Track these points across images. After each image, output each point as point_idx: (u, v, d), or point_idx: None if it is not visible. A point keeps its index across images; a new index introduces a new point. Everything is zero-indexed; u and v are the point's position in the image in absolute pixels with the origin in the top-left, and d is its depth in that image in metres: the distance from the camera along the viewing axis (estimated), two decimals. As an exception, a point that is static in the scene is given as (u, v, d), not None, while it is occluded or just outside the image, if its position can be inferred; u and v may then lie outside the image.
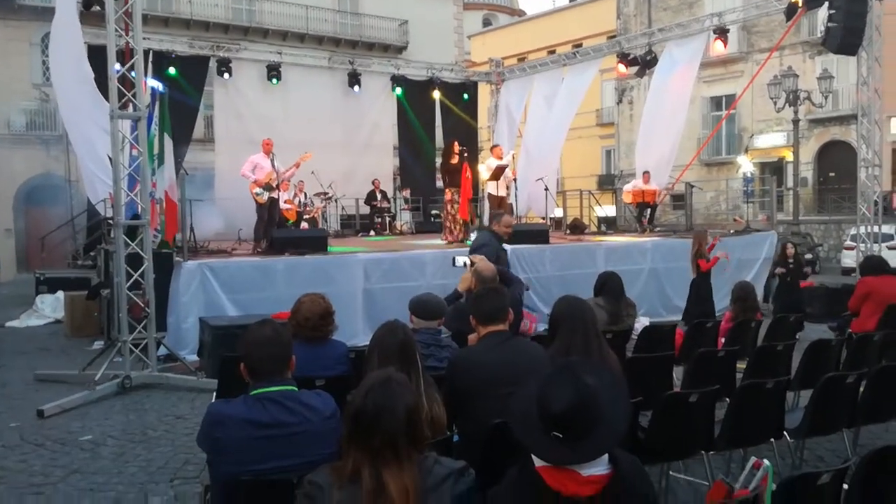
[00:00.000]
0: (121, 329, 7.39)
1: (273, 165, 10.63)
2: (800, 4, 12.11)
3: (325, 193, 15.34)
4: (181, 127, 12.42)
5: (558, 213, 17.69)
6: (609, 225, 16.97)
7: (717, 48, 13.82)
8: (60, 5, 10.57)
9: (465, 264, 5.61)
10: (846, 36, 11.34)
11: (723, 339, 6.18)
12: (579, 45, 21.63)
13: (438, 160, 15.19)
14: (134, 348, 7.38)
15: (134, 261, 7.51)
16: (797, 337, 6.57)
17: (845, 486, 2.74)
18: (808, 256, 14.10)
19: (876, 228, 12.49)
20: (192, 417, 6.18)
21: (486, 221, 14.32)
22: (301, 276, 8.72)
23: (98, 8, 9.95)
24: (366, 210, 16.48)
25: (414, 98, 17.13)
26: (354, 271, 9.19)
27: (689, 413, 3.82)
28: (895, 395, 4.50)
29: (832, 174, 25.22)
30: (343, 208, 16.78)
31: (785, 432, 4.20)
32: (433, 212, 17.24)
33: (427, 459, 2.04)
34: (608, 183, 30.80)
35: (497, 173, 11.95)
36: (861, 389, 4.41)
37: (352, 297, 8.96)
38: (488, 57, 21.61)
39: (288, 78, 15.38)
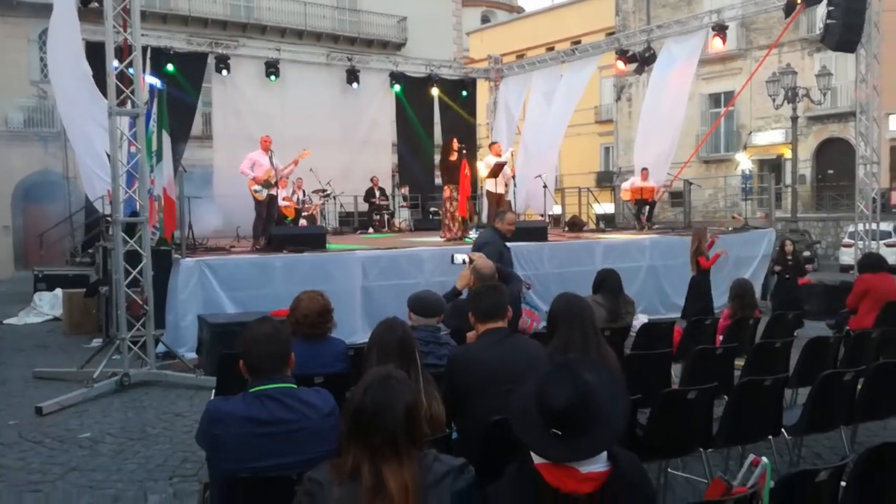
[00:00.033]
0: (119, 326, 7.38)
1: (272, 162, 10.63)
2: (798, 1, 12.10)
3: (324, 191, 15.33)
4: (179, 124, 12.40)
5: (557, 210, 17.70)
6: (608, 222, 16.98)
7: (716, 45, 13.82)
8: (58, 2, 10.54)
9: (463, 262, 5.61)
10: (845, 33, 11.35)
11: (721, 337, 6.19)
12: (578, 42, 21.61)
13: (437, 157, 15.18)
14: (132, 346, 7.37)
15: (132, 258, 7.50)
16: (795, 334, 6.59)
17: (843, 484, 2.74)
18: (807, 254, 14.10)
19: (874, 226, 12.51)
20: (191, 415, 6.19)
21: (484, 219, 14.34)
22: (299, 274, 8.72)
23: (96, 4, 9.92)
24: (364, 207, 16.46)
25: (412, 95, 17.10)
26: (353, 269, 9.18)
27: (688, 410, 3.83)
28: (893, 392, 4.51)
29: (830, 171, 25.25)
30: (341, 205, 16.77)
31: (783, 429, 4.21)
32: (432, 209, 17.23)
33: (427, 456, 2.04)
34: (607, 180, 30.81)
35: (496, 171, 11.95)
36: (859, 387, 4.42)
37: (350, 294, 8.95)
38: (487, 54, 21.62)
39: (286, 75, 15.35)
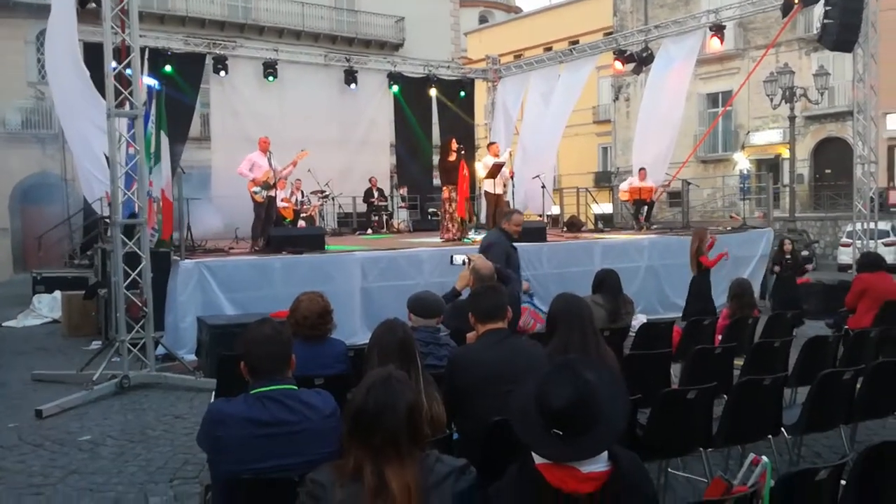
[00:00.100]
0: (119, 329, 7.37)
1: (270, 164, 10.63)
2: (796, 1, 12.12)
3: (322, 192, 15.32)
4: (177, 125, 12.39)
5: (555, 210, 17.70)
6: (606, 222, 16.96)
7: (714, 45, 13.85)
8: (56, 3, 10.53)
9: (463, 262, 5.61)
10: (842, 33, 11.37)
11: (720, 336, 6.19)
12: (576, 42, 21.63)
13: (435, 158, 15.17)
14: (132, 348, 7.37)
15: (131, 260, 7.49)
16: (794, 333, 6.59)
17: (843, 482, 2.75)
18: (805, 253, 14.12)
19: (872, 225, 12.53)
20: (191, 417, 6.18)
21: (483, 220, 14.34)
22: (298, 275, 8.71)
23: (93, 5, 9.95)
24: (363, 208, 16.46)
25: (411, 95, 17.11)
26: (352, 270, 9.18)
27: (688, 410, 3.84)
28: (892, 391, 4.52)
29: (828, 171, 25.29)
30: (340, 206, 16.76)
31: (783, 429, 4.22)
32: (430, 209, 17.22)
33: (428, 457, 2.05)
34: (605, 180, 30.84)
35: (494, 171, 11.96)
36: (858, 386, 4.42)
37: (349, 295, 8.95)
38: (485, 54, 21.62)
39: (284, 75, 15.34)
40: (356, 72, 16.22)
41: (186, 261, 8.58)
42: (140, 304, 7.48)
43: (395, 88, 16.91)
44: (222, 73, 14.55)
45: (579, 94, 16.65)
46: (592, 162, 33.53)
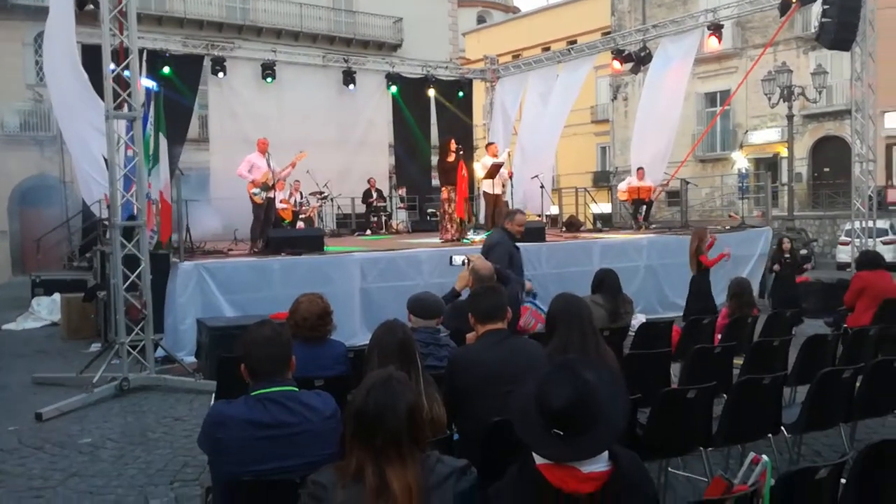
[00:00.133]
0: (118, 331, 7.36)
1: (269, 165, 10.63)
2: (793, 0, 12.13)
3: (321, 193, 15.32)
4: (176, 126, 12.37)
5: (554, 210, 17.70)
6: (605, 222, 16.96)
7: (712, 44, 13.85)
8: (54, 5, 10.52)
9: (462, 263, 5.61)
10: (840, 31, 11.38)
11: (719, 336, 6.20)
12: (574, 42, 21.65)
13: (434, 158, 15.17)
14: (131, 350, 7.36)
15: (130, 262, 7.48)
16: (793, 332, 6.60)
17: (843, 481, 2.76)
18: (804, 252, 14.14)
19: (870, 223, 12.53)
20: (191, 419, 6.18)
21: (482, 220, 14.35)
22: (298, 276, 8.71)
23: (91, 7, 9.96)
24: (362, 209, 16.46)
25: (409, 96, 17.11)
26: (351, 271, 9.17)
27: (688, 409, 3.84)
28: (891, 389, 4.53)
29: (826, 169, 25.31)
30: (339, 207, 16.76)
31: (782, 428, 4.22)
32: (429, 210, 17.22)
33: (430, 458, 2.05)
34: (603, 180, 30.84)
35: (492, 171, 11.96)
36: (857, 384, 4.43)
37: (349, 296, 8.95)
38: (483, 54, 21.62)
39: (282, 76, 15.34)
40: (354, 72, 16.23)
41: (185, 262, 8.57)
42: (139, 307, 7.48)
43: (394, 89, 16.92)
44: (220, 74, 14.54)
45: (577, 93, 16.67)
46: (591, 162, 33.54)
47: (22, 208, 22.15)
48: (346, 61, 16.53)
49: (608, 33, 22.84)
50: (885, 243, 16.26)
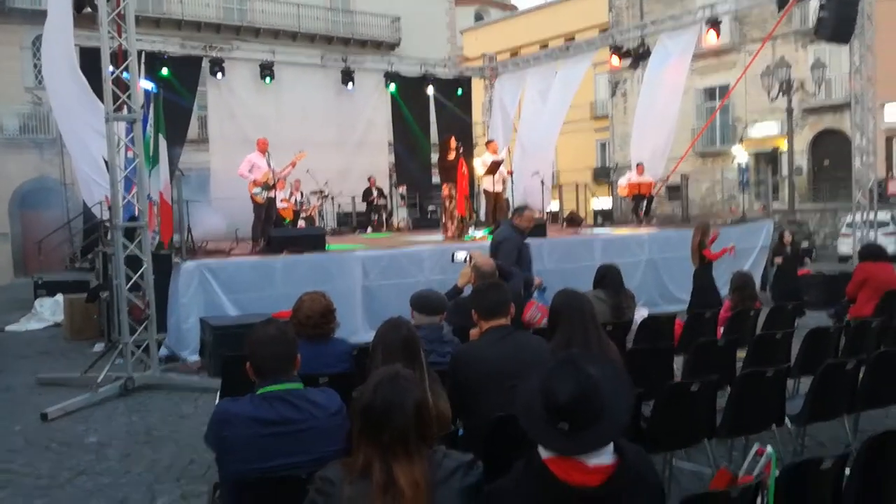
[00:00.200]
0: (121, 331, 7.39)
1: (269, 164, 10.64)
2: (791, -6, 12.13)
3: (321, 192, 15.34)
4: (175, 128, 12.39)
5: (554, 206, 17.71)
6: (605, 217, 16.99)
7: (710, 39, 13.83)
8: (52, 8, 10.53)
9: (465, 260, 5.63)
10: (838, 24, 11.37)
11: (722, 329, 6.21)
12: (572, 39, 21.66)
13: (434, 156, 15.17)
14: (135, 350, 7.39)
15: (132, 262, 7.51)
16: (796, 325, 6.61)
17: (847, 472, 2.77)
18: (805, 245, 14.16)
19: (871, 215, 12.54)
20: (196, 417, 6.21)
21: (482, 217, 14.36)
22: (299, 275, 8.73)
23: (89, 10, 9.96)
24: (362, 207, 16.48)
25: (408, 94, 17.09)
26: (353, 269, 9.19)
27: (691, 402, 3.86)
28: (894, 380, 4.54)
29: (827, 162, 25.29)
30: (339, 206, 16.77)
31: (786, 419, 4.23)
32: (429, 207, 17.24)
33: (436, 453, 2.07)
34: (603, 176, 30.83)
35: (492, 169, 11.98)
36: (860, 375, 4.44)
37: (351, 294, 8.96)
38: (481, 52, 21.62)
39: (281, 77, 15.32)
40: (353, 72, 16.21)
41: (188, 262, 8.59)
42: (142, 307, 7.50)
43: (392, 88, 16.90)
44: (219, 75, 14.54)
45: (576, 90, 16.65)
46: (591, 158, 33.52)
47: (22, 211, 22.18)
48: (344, 61, 16.49)
49: (606, 30, 22.82)
50: (886, 235, 16.24)
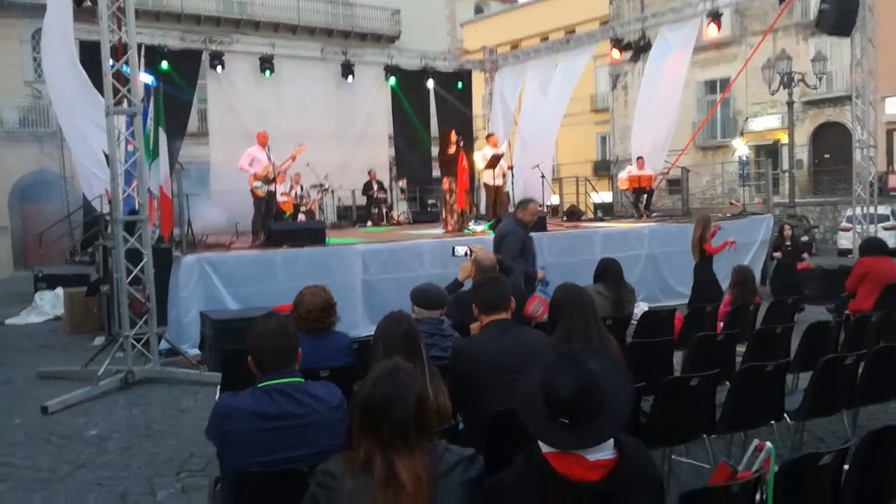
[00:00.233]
0: (122, 324, 7.40)
1: (269, 158, 10.63)
2: (793, -14, 12.09)
3: (321, 185, 15.33)
4: (175, 121, 12.36)
5: (554, 200, 17.68)
6: (606, 211, 16.96)
7: (711, 32, 13.79)
8: (52, 1, 10.50)
9: (465, 254, 5.63)
10: (839, 17, 11.34)
11: (721, 323, 6.21)
12: (572, 31, 21.58)
13: (434, 150, 15.14)
14: (136, 343, 7.40)
15: (133, 256, 7.51)
16: (795, 319, 6.61)
17: (846, 467, 2.77)
18: (805, 239, 14.14)
19: (872, 209, 12.53)
20: (196, 411, 6.22)
21: (483, 211, 14.35)
22: (300, 269, 8.73)
23: (89, 3, 9.93)
24: (362, 201, 16.46)
25: (408, 87, 17.05)
26: (353, 262, 9.19)
27: (691, 397, 3.86)
28: (893, 376, 4.55)
29: (827, 156, 25.25)
30: (339, 199, 16.76)
31: (785, 414, 4.24)
32: (429, 201, 17.22)
33: (437, 447, 2.07)
34: (604, 169, 30.80)
35: (493, 162, 11.96)
36: (860, 371, 4.45)
37: (351, 287, 8.97)
38: (481, 45, 21.54)
39: (281, 70, 15.29)
40: (353, 65, 16.18)
41: (188, 256, 8.60)
42: (143, 300, 7.51)
43: (392, 81, 16.85)
44: (219, 68, 14.50)
45: (576, 83, 16.61)
46: (591, 151, 33.47)
47: (22, 204, 22.19)
48: (344, 54, 16.46)
49: (606, 22, 22.74)
50: (886, 229, 16.24)
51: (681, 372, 4.77)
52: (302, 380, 2.76)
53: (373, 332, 3.31)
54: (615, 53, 15.41)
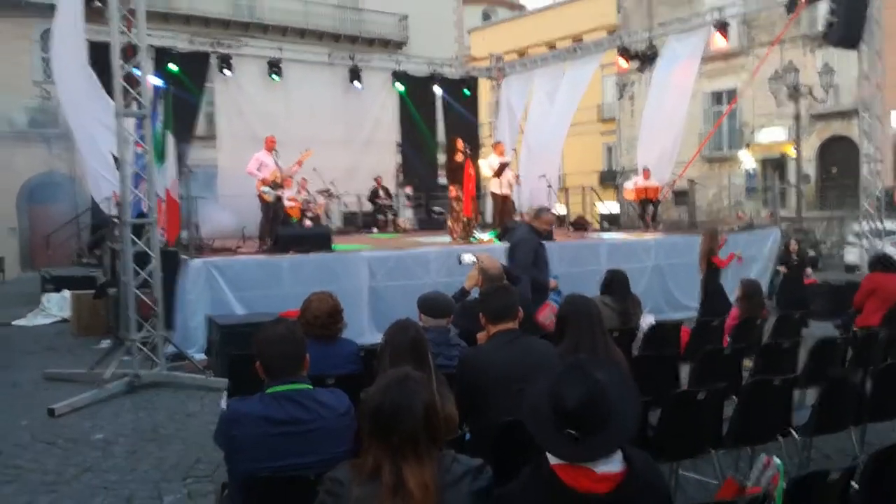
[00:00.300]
0: (129, 328, 7.40)
1: (276, 163, 10.66)
2: (800, -2, 12.10)
3: (328, 190, 15.35)
4: (183, 124, 12.41)
5: (561, 209, 17.69)
6: (612, 222, 16.94)
7: (718, 42, 13.79)
8: (62, 1, 10.55)
9: (471, 262, 5.63)
10: (847, 30, 11.34)
11: (728, 337, 6.19)
12: (580, 40, 21.61)
13: (441, 157, 15.17)
14: (142, 347, 7.41)
15: (140, 259, 7.52)
16: (802, 334, 6.59)
17: (854, 485, 2.76)
18: (811, 253, 14.10)
19: (879, 224, 12.49)
20: (202, 416, 6.23)
21: (489, 219, 14.36)
22: (306, 274, 8.73)
23: (99, 3, 9.98)
24: (368, 207, 16.48)
25: (415, 94, 17.07)
26: (359, 269, 9.19)
27: (698, 411, 3.85)
28: (901, 392, 4.53)
29: (834, 170, 25.19)
30: (345, 205, 16.77)
31: (792, 430, 4.22)
32: (435, 208, 17.23)
33: (446, 457, 2.08)
34: (610, 179, 30.75)
35: (499, 171, 11.97)
36: (867, 387, 4.43)
37: (357, 294, 8.95)
38: (488, 52, 21.57)
39: (289, 74, 15.33)
40: (360, 70, 16.21)
41: (195, 260, 8.61)
42: (150, 304, 7.52)
43: (400, 87, 16.87)
44: (227, 71, 14.55)
45: (583, 91, 16.62)
46: (597, 161, 33.46)
47: (30, 205, 22.23)
48: (351, 59, 16.50)
49: (614, 31, 22.77)
50: (894, 244, 16.16)
51: (688, 385, 4.76)
52: (310, 386, 2.77)
53: (379, 340, 3.32)
54: (622, 63, 15.44)
